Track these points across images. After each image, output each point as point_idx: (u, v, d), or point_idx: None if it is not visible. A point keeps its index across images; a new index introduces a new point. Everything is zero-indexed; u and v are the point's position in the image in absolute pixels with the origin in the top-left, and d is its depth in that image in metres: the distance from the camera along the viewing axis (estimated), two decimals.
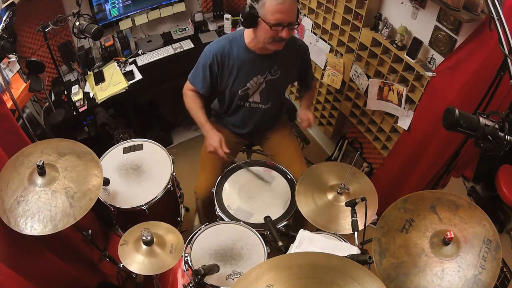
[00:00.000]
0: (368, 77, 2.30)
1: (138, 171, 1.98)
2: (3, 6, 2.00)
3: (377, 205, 1.66)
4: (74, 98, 2.52)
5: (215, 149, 1.87)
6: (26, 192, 1.35)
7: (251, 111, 2.02)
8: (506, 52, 1.22)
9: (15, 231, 1.28)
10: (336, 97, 2.75)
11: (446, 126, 1.21)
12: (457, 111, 1.16)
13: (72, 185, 1.39)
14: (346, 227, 1.57)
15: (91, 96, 2.57)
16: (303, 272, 0.96)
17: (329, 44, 2.55)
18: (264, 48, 1.79)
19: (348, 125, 2.91)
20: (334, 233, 1.69)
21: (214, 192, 1.95)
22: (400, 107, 2.14)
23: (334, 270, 0.95)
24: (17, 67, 2.16)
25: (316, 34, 2.64)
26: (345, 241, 1.65)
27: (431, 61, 1.92)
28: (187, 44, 2.95)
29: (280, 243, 1.63)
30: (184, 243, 1.58)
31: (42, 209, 1.32)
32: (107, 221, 2.33)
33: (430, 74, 1.87)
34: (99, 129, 2.63)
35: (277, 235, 1.67)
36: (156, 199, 1.88)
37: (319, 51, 2.65)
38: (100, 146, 2.08)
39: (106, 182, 1.84)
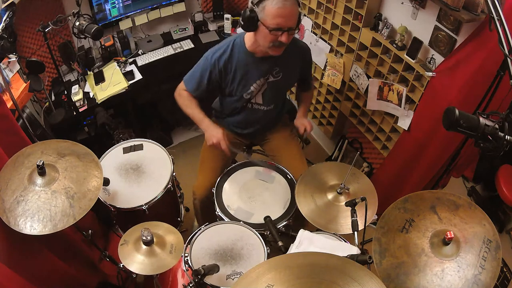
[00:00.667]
0: (368, 77, 2.30)
1: (138, 171, 1.98)
2: (3, 6, 2.00)
3: (377, 205, 1.66)
4: (74, 98, 2.52)
5: (218, 140, 1.85)
6: (26, 191, 1.35)
7: (253, 112, 2.02)
8: (506, 52, 1.22)
9: (15, 231, 1.28)
10: (336, 97, 2.75)
11: (446, 126, 1.21)
12: (457, 111, 1.16)
13: (72, 186, 1.39)
14: (346, 227, 1.57)
15: (91, 96, 2.57)
16: (303, 272, 0.96)
17: (329, 44, 2.55)
18: (265, 51, 1.78)
19: (348, 125, 2.91)
20: (334, 233, 1.69)
21: (214, 192, 1.95)
22: (400, 107, 2.14)
23: (334, 270, 0.95)
24: (17, 67, 2.16)
25: (316, 34, 2.64)
26: (345, 241, 1.65)
27: (431, 61, 1.92)
28: (187, 44, 2.95)
29: (280, 243, 1.63)
30: (184, 243, 1.58)
31: (41, 209, 1.32)
32: (107, 221, 2.33)
33: (430, 74, 1.87)
34: (99, 129, 2.63)
35: (277, 235, 1.67)
36: (156, 199, 1.88)
37: (319, 51, 2.65)
38: (100, 146, 2.08)
39: (106, 182, 1.84)
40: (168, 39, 3.01)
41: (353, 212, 1.49)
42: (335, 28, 2.45)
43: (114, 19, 2.72)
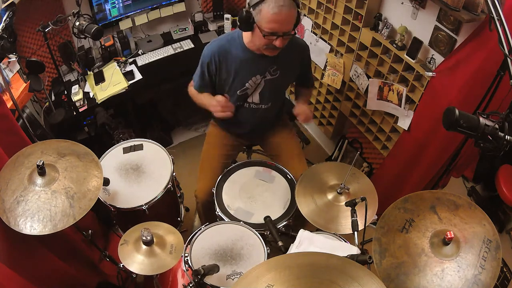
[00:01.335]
0: (368, 77, 2.30)
1: (138, 171, 1.98)
2: (3, 6, 2.00)
3: (377, 205, 1.66)
4: (74, 98, 2.52)
5: (222, 104, 1.82)
6: (26, 192, 1.35)
7: (251, 111, 2.02)
8: (506, 52, 1.22)
9: (15, 231, 1.28)
10: (336, 97, 2.75)
11: (446, 126, 1.21)
12: (457, 111, 1.16)
13: (72, 186, 1.39)
14: (346, 227, 1.57)
15: (91, 96, 2.57)
16: (303, 272, 0.96)
17: (329, 44, 2.55)
18: (262, 51, 1.77)
19: (348, 125, 2.91)
20: (334, 233, 1.69)
21: (214, 192, 1.95)
22: (400, 107, 2.14)
23: (334, 270, 0.95)
24: (17, 67, 2.16)
25: (316, 34, 2.64)
26: (345, 241, 1.65)
27: (431, 61, 1.92)
28: (187, 44, 2.95)
29: (280, 243, 1.63)
30: (184, 243, 1.58)
31: (41, 209, 1.32)
32: (107, 221, 2.33)
33: (430, 74, 1.87)
34: (99, 129, 2.63)
35: (277, 235, 1.67)
36: (156, 199, 1.88)
37: (319, 51, 2.65)
38: (100, 146, 2.08)
39: (106, 182, 1.84)
40: (168, 39, 3.01)
41: (353, 212, 1.49)
42: (335, 28, 2.45)
43: (114, 19, 2.72)
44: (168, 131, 3.30)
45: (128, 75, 2.67)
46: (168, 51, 2.88)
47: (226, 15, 2.99)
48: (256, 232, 1.73)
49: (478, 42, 1.63)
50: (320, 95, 2.92)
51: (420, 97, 2.01)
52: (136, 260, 1.46)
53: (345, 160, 2.92)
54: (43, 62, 2.19)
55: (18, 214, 1.30)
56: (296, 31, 1.73)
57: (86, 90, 2.61)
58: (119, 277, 1.97)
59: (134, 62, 2.79)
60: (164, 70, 2.77)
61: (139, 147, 2.08)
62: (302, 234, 1.53)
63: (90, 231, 1.75)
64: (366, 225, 1.45)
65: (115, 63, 2.75)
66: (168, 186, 1.93)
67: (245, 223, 1.78)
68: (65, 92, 2.49)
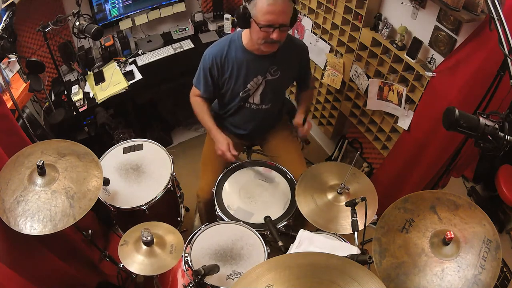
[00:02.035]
0: (368, 77, 2.30)
1: (138, 171, 1.98)
2: (3, 6, 2.00)
3: (377, 205, 1.66)
4: (74, 98, 2.52)
5: (223, 152, 1.89)
6: (26, 192, 1.35)
7: (252, 112, 2.02)
8: (506, 52, 1.22)
9: (15, 231, 1.28)
10: (336, 97, 2.75)
11: (446, 126, 1.21)
12: (457, 111, 1.16)
13: (72, 186, 1.39)
14: (346, 227, 1.57)
15: (91, 96, 2.57)
16: (303, 272, 0.96)
17: (329, 44, 2.55)
18: (260, 49, 1.77)
19: (348, 125, 2.91)
20: (334, 233, 1.69)
21: (214, 192, 1.95)
22: (400, 107, 2.14)
23: (334, 270, 0.95)
24: (17, 67, 2.16)
25: (316, 34, 2.64)
26: (345, 241, 1.65)
27: (431, 61, 1.92)
28: (187, 44, 2.95)
29: (280, 243, 1.63)
30: (184, 243, 1.58)
31: (41, 209, 1.32)
32: (107, 221, 2.33)
33: (430, 74, 1.87)
34: (99, 129, 2.63)
35: (277, 235, 1.67)
36: (156, 199, 1.88)
37: (319, 51, 2.65)
38: (100, 146, 2.08)
39: (106, 182, 1.84)
40: (168, 39, 3.01)
41: (353, 212, 1.49)
42: (335, 28, 2.45)
43: (114, 19, 2.72)
44: (168, 131, 3.30)
45: (128, 75, 2.67)
46: (168, 51, 2.88)
47: (226, 15, 2.99)
48: (256, 232, 1.73)
49: (478, 42, 1.63)
50: (320, 95, 2.92)
51: (420, 97, 2.01)
52: (136, 260, 1.46)
53: (345, 160, 2.92)
54: (43, 62, 2.19)
55: (18, 214, 1.30)
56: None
57: (86, 90, 2.61)
58: (119, 277, 1.97)
59: (134, 62, 2.79)
60: (164, 70, 2.77)
61: (139, 147, 2.08)
62: (302, 234, 1.53)
63: (90, 231, 1.75)
64: (366, 225, 1.45)
65: (115, 63, 2.75)
66: (168, 186, 1.93)
67: (245, 223, 1.78)
68: (65, 92, 2.49)
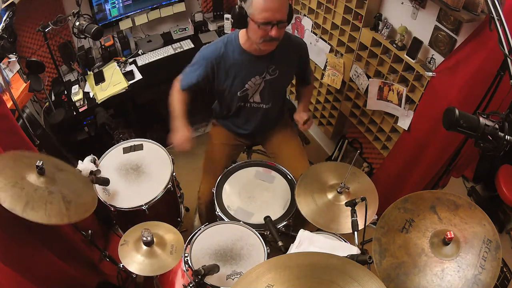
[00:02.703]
0: (368, 77, 2.30)
1: (138, 171, 1.98)
2: (3, 6, 2.00)
3: (377, 205, 1.66)
4: (74, 98, 2.52)
5: (178, 144, 1.87)
6: (23, 182, 1.31)
7: (253, 111, 2.02)
8: (506, 52, 1.22)
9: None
10: (336, 97, 2.75)
11: (446, 126, 1.21)
12: (457, 111, 1.16)
13: (69, 194, 1.38)
14: (346, 227, 1.57)
15: (91, 96, 2.58)
16: (303, 272, 0.96)
17: (329, 44, 2.55)
18: (258, 49, 1.76)
19: (348, 125, 2.91)
20: (334, 233, 1.69)
21: (214, 192, 1.95)
22: (400, 107, 2.14)
23: (334, 270, 0.95)
24: (17, 67, 2.16)
25: (316, 34, 2.64)
26: (345, 241, 1.65)
27: (431, 61, 1.92)
28: (187, 44, 2.95)
29: (280, 243, 1.63)
30: (184, 243, 1.58)
31: (36, 201, 1.28)
32: (107, 221, 2.33)
33: (430, 74, 1.87)
34: (99, 129, 2.63)
35: (277, 235, 1.67)
36: (156, 199, 1.88)
37: (319, 51, 2.65)
38: (100, 146, 2.08)
39: (106, 182, 1.84)
40: (168, 39, 3.01)
41: (353, 212, 1.49)
42: (335, 28, 2.45)
43: (114, 19, 2.72)
44: (168, 131, 3.29)
45: (128, 75, 2.67)
46: (168, 51, 2.89)
47: (226, 15, 2.99)
48: (256, 232, 1.73)
49: (478, 42, 1.63)
50: (320, 95, 2.92)
51: (420, 97, 2.01)
52: (136, 261, 1.46)
53: (345, 160, 2.92)
54: (43, 62, 2.19)
55: (10, 195, 1.24)
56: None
57: (86, 90, 2.61)
58: (119, 277, 1.97)
59: (134, 62, 2.79)
60: (164, 70, 2.77)
61: (139, 147, 2.08)
62: (302, 234, 1.53)
63: (90, 231, 1.75)
64: (366, 225, 1.45)
65: (115, 63, 2.75)
66: (168, 186, 1.93)
67: (245, 223, 1.78)
68: (65, 92, 2.49)
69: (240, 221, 1.79)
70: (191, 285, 1.51)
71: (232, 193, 1.96)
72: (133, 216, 1.87)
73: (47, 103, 2.56)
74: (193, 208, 2.46)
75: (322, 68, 2.70)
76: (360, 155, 2.78)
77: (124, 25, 2.81)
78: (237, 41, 1.83)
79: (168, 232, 1.58)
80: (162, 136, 3.13)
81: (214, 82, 1.91)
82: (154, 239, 1.48)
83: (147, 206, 1.84)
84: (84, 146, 2.75)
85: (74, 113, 2.49)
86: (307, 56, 2.07)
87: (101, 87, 2.59)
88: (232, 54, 1.83)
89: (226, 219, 1.83)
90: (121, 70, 2.71)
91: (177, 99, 1.96)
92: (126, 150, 2.07)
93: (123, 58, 2.79)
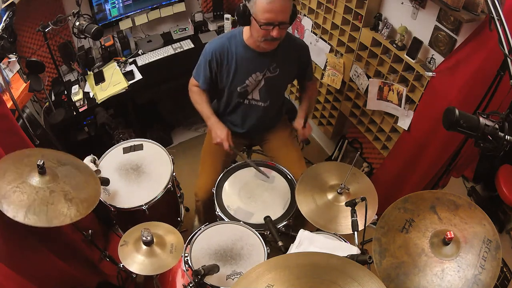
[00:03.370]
0: (368, 77, 2.30)
1: (138, 171, 1.98)
2: (3, 6, 1.99)
3: (377, 205, 1.66)
4: (74, 98, 2.52)
5: (222, 140, 1.89)
6: (24, 185, 1.32)
7: (250, 108, 2.02)
8: (506, 52, 1.22)
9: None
10: (336, 97, 2.75)
11: (446, 126, 1.21)
12: (457, 111, 1.16)
13: (71, 190, 1.38)
14: (346, 227, 1.57)
15: (91, 96, 2.57)
16: (303, 272, 0.96)
17: (329, 44, 2.55)
18: (261, 46, 1.79)
19: (348, 125, 2.91)
20: (334, 233, 1.69)
21: (214, 192, 1.95)
22: (400, 107, 2.14)
23: (334, 270, 0.95)
24: (17, 67, 2.16)
25: (316, 34, 2.63)
26: (345, 241, 1.65)
27: (431, 61, 1.92)
28: (187, 44, 2.95)
29: (280, 243, 1.63)
30: (184, 243, 1.58)
31: (38, 203, 1.29)
32: (107, 221, 2.33)
33: (430, 74, 1.87)
34: (99, 129, 2.63)
35: (277, 235, 1.67)
36: (156, 199, 1.88)
37: (319, 51, 2.65)
38: (100, 146, 2.08)
39: (106, 182, 1.84)
40: (168, 39, 3.01)
41: (353, 212, 1.49)
42: (335, 28, 2.45)
43: (114, 19, 2.72)
44: (168, 131, 3.30)
45: (128, 75, 2.67)
46: (168, 51, 2.88)
47: (226, 15, 2.99)
48: (256, 232, 1.73)
49: (478, 42, 1.63)
50: (320, 95, 2.91)
51: (420, 97, 2.01)
52: (136, 260, 1.46)
53: (345, 160, 2.92)
54: (43, 62, 2.19)
55: (12, 201, 1.26)
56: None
57: (86, 90, 2.61)
58: (119, 277, 1.97)
59: (134, 62, 2.79)
60: (164, 70, 2.77)
61: (139, 147, 2.08)
62: (302, 234, 1.53)
63: (90, 231, 1.75)
64: (366, 225, 1.45)
65: (115, 63, 2.75)
66: (168, 186, 1.93)
67: (245, 223, 1.78)
68: (65, 92, 2.49)
69: (240, 221, 1.79)
70: (191, 285, 1.51)
71: (232, 193, 1.96)
72: (133, 216, 1.88)
73: (47, 103, 2.56)
74: (193, 208, 2.45)
75: (322, 68, 2.70)
76: (360, 155, 2.78)
77: (124, 25, 2.80)
78: (241, 37, 1.85)
79: (168, 232, 1.58)
80: (162, 136, 3.16)
81: (218, 75, 1.93)
82: (154, 239, 1.48)
83: (147, 206, 1.84)
84: (84, 146, 2.76)
85: (74, 113, 2.48)
86: (309, 58, 2.09)
87: (101, 87, 2.59)
88: (236, 49, 1.85)
89: (226, 219, 1.83)
90: (121, 70, 2.71)
91: (200, 100, 2.00)
92: (126, 150, 2.07)
93: (123, 58, 2.79)
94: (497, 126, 1.15)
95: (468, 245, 1.15)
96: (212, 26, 3.10)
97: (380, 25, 2.13)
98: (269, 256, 1.65)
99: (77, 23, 2.15)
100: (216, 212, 1.89)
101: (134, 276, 1.88)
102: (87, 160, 1.87)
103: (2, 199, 1.26)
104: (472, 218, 1.19)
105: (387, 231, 1.26)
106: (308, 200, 1.69)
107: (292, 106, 2.67)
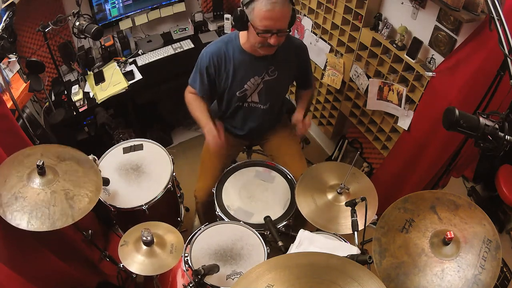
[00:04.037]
0: (368, 77, 2.30)
1: (138, 171, 1.98)
2: (3, 6, 2.00)
3: (377, 205, 1.66)
4: (74, 98, 2.52)
5: (215, 150, 1.86)
6: (25, 189, 1.33)
7: (250, 110, 2.02)
8: (506, 52, 1.22)
9: (15, 232, 1.28)
10: (336, 97, 2.75)
11: (446, 126, 1.21)
12: (457, 111, 1.16)
13: (71, 188, 1.39)
14: (346, 227, 1.57)
15: (91, 96, 2.57)
16: (303, 272, 0.96)
17: (329, 44, 2.55)
18: (258, 51, 1.76)
19: (348, 125, 2.91)
20: (334, 233, 1.69)
21: (214, 192, 1.95)
22: (400, 107, 2.14)
23: (334, 270, 0.95)
24: (17, 67, 2.16)
25: (316, 34, 2.64)
26: (345, 241, 1.65)
27: (431, 61, 1.92)
28: (187, 44, 2.95)
29: (280, 243, 1.63)
30: (184, 243, 1.58)
31: (40, 207, 1.30)
32: (107, 221, 2.33)
33: (430, 74, 1.87)
34: (99, 129, 2.63)
35: (277, 235, 1.68)
36: (156, 199, 1.88)
37: (319, 51, 2.65)
38: (100, 146, 2.08)
39: (106, 182, 1.84)
40: (168, 39, 3.01)
41: (353, 212, 1.49)
42: (335, 28, 2.45)
43: (114, 19, 2.72)
44: (168, 131, 3.30)
45: (128, 75, 2.67)
46: (168, 51, 2.88)
47: (226, 15, 2.99)
48: (256, 232, 1.73)
49: (478, 42, 1.63)
50: (320, 95, 2.92)
51: (420, 97, 2.01)
52: (136, 260, 1.46)
53: (345, 160, 2.92)
54: (43, 62, 2.19)
55: (15, 209, 1.27)
56: (291, 30, 1.72)
57: (86, 90, 2.61)
58: (119, 277, 1.97)
59: (134, 62, 2.79)
60: (164, 70, 2.77)
61: (139, 147, 2.08)
62: (302, 234, 1.53)
63: (90, 231, 1.75)
64: (366, 225, 1.45)
65: (115, 63, 2.75)
66: (168, 186, 1.93)
67: (245, 223, 1.78)
68: (65, 92, 2.49)
69: (240, 221, 1.79)
70: (191, 285, 1.51)
71: (232, 193, 1.96)
72: (133, 216, 1.88)
73: (47, 103, 2.56)
74: (193, 208, 2.45)
75: (322, 68, 2.70)
76: (360, 155, 2.79)
77: (124, 25, 2.80)
78: (237, 41, 1.83)
79: (168, 232, 1.58)
80: (162, 136, 3.16)
81: (216, 80, 1.91)
82: (154, 239, 1.48)
83: (147, 206, 1.84)
84: (84, 146, 2.74)
85: (74, 113, 2.49)
86: (308, 58, 2.06)
87: (101, 87, 2.59)
88: (233, 53, 1.83)
89: (226, 219, 1.83)
90: (121, 70, 2.71)
91: (198, 107, 1.95)
92: (126, 150, 2.07)
93: (123, 58, 2.79)
94: (497, 126, 1.15)
95: (468, 245, 1.15)
96: (212, 26, 3.10)
97: (380, 25, 2.13)
98: (269, 256, 1.65)
99: (77, 23, 2.15)
100: (216, 212, 1.89)
101: (134, 276, 1.88)
102: None
103: (5, 207, 1.28)
104: (472, 218, 1.19)
105: (387, 231, 1.26)
106: (308, 200, 1.69)
107: (292, 106, 2.66)
